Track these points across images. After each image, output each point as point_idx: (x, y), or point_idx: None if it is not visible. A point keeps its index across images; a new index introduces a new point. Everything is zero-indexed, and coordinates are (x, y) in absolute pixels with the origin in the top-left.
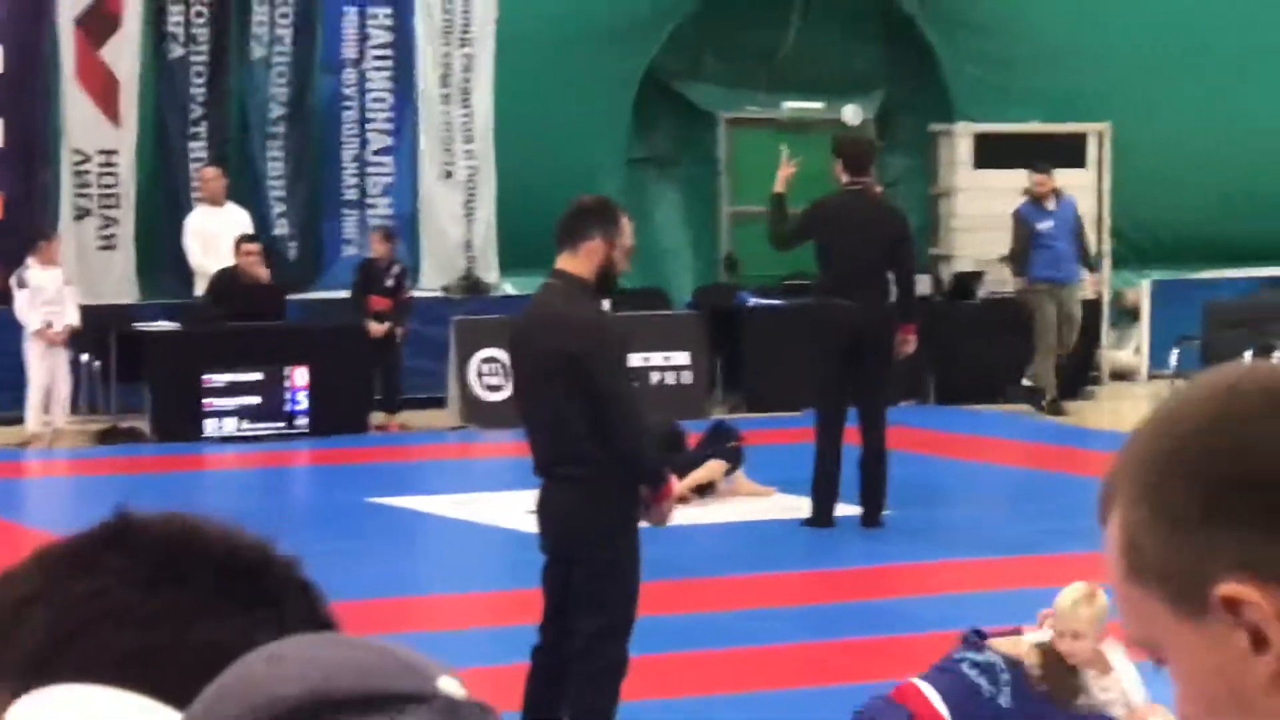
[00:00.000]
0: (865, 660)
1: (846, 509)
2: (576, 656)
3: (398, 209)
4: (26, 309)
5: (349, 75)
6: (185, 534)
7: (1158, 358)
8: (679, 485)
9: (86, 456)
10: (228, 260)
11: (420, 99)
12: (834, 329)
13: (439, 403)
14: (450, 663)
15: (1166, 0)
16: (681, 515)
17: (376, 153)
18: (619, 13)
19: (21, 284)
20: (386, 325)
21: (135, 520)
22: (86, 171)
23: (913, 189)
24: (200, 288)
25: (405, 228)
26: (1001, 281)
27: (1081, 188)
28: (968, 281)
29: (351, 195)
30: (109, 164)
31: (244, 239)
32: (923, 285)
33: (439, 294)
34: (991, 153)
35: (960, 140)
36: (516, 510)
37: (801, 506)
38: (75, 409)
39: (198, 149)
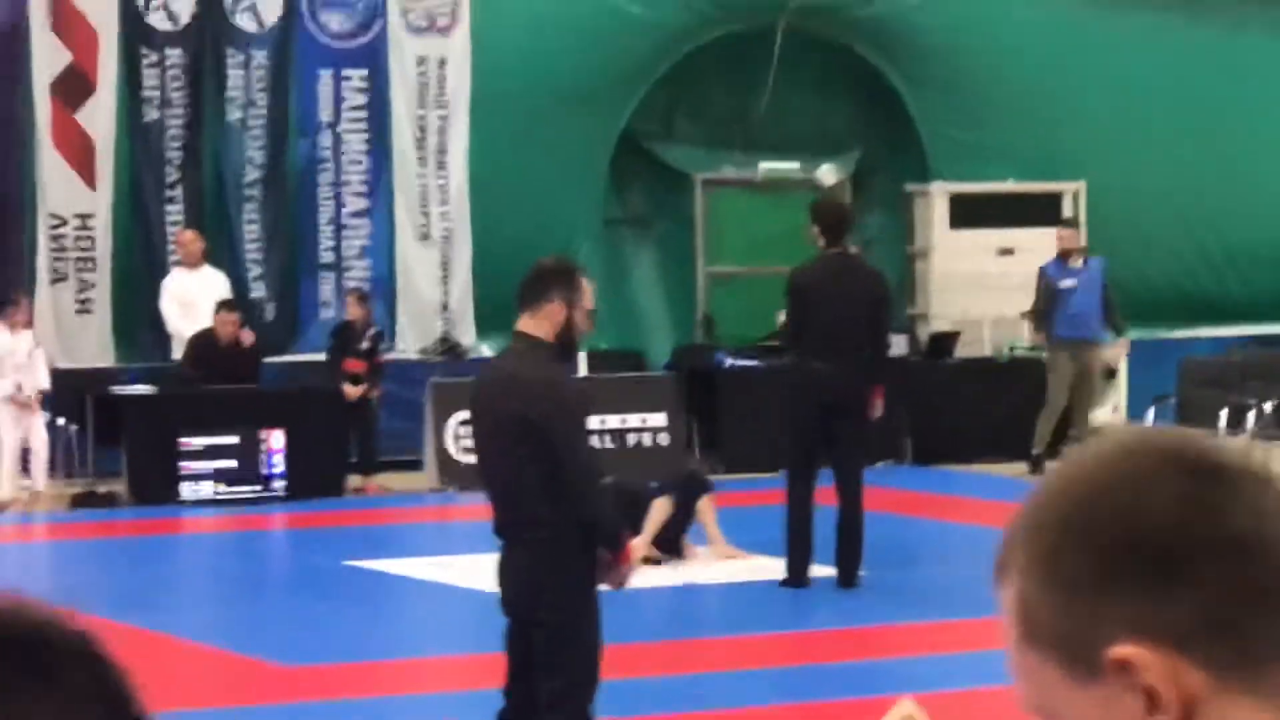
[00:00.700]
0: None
1: (824, 570)
2: (545, 714)
3: (374, 271)
4: None
5: (324, 137)
6: None
7: (1135, 416)
8: (639, 545)
9: (62, 521)
10: (205, 323)
11: (395, 161)
12: (810, 392)
13: (416, 465)
14: None
15: (1139, 59)
16: (655, 576)
17: (353, 215)
18: (593, 75)
19: None
20: (362, 387)
21: None
22: (63, 235)
23: (889, 248)
24: (178, 351)
25: (382, 290)
26: (978, 341)
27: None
28: (945, 341)
29: (328, 258)
30: (85, 227)
31: (223, 305)
32: (899, 345)
33: (416, 356)
34: (967, 212)
35: (936, 200)
36: (493, 572)
37: (779, 568)
38: (52, 473)
39: (174, 212)
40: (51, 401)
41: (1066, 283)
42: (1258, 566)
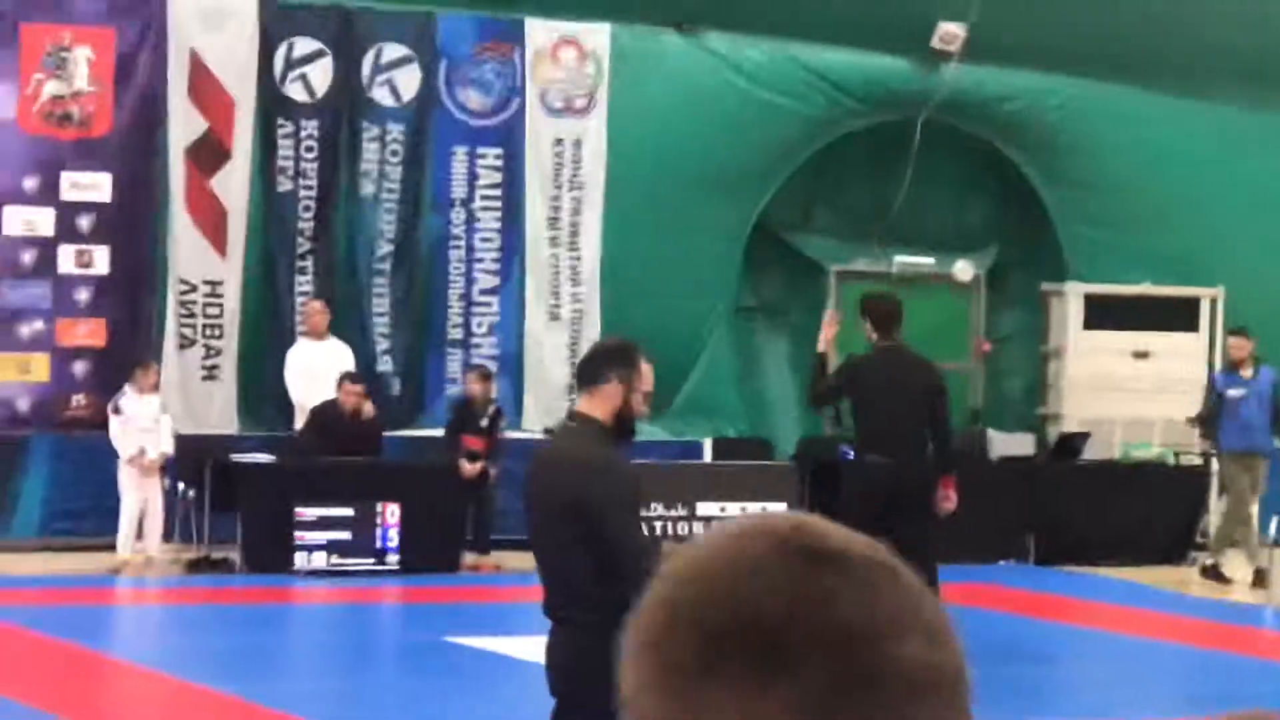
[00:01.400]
0: None
1: None
2: None
3: (502, 348)
4: (120, 435)
5: (457, 214)
6: None
7: (1266, 526)
8: None
9: (175, 586)
10: (328, 394)
11: (528, 240)
12: (871, 486)
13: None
14: None
15: None
16: None
17: (483, 292)
18: (730, 162)
19: (116, 410)
20: (480, 465)
21: None
22: (192, 301)
23: (1023, 347)
24: (300, 421)
25: (509, 367)
26: (1106, 444)
27: (1192, 352)
28: (1072, 442)
29: (456, 334)
30: (215, 294)
31: (347, 377)
32: (1026, 445)
33: (540, 435)
34: (1102, 313)
35: (1071, 299)
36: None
37: None
38: (169, 538)
39: (303, 283)
40: (173, 466)
41: (1235, 391)
42: (864, 657)
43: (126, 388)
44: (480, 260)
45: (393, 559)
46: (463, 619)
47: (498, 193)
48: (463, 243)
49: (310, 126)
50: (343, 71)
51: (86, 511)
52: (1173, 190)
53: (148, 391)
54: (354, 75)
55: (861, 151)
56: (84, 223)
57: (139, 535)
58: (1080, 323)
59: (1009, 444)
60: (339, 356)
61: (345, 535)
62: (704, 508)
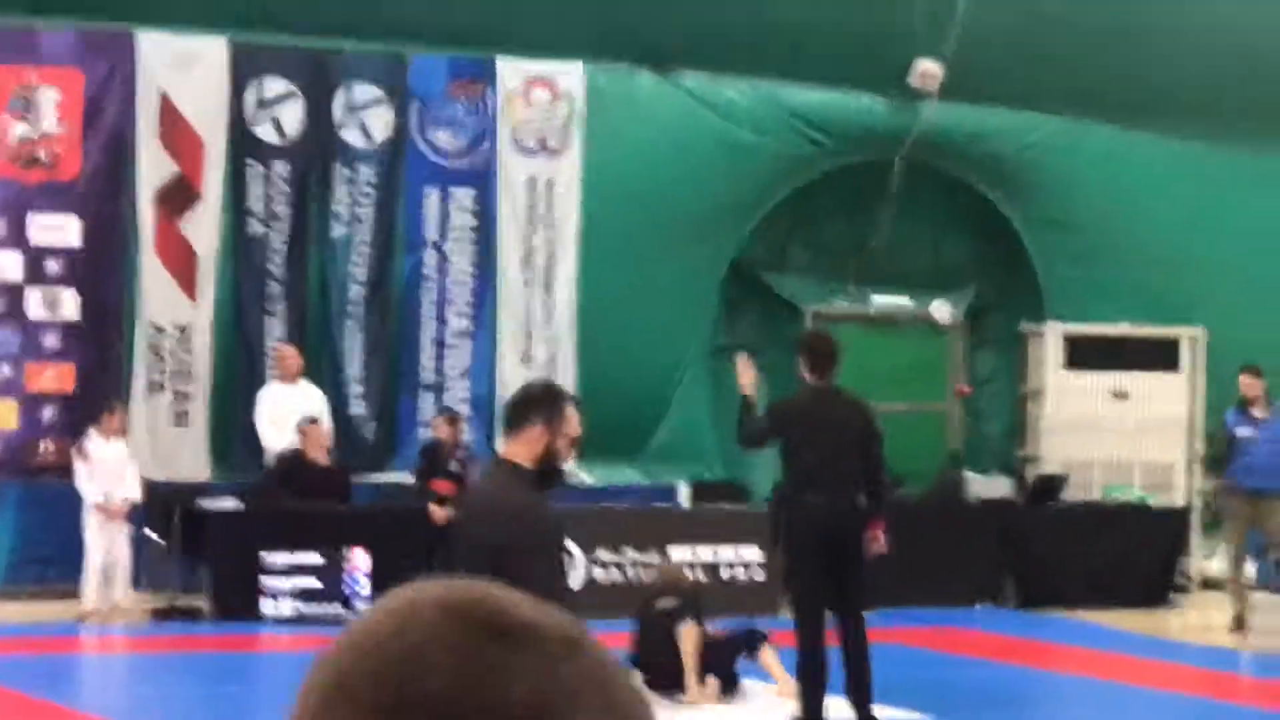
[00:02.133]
0: None
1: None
2: None
3: (475, 391)
4: (86, 481)
5: (430, 255)
6: None
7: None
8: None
9: (142, 634)
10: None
11: (501, 282)
12: (805, 526)
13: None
14: None
15: (1261, 203)
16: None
17: (456, 334)
18: (705, 202)
19: (83, 456)
20: (449, 509)
21: None
22: (161, 345)
23: (1002, 388)
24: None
25: (482, 410)
26: (1085, 486)
27: (1173, 392)
28: (1051, 484)
29: (429, 377)
30: (184, 338)
31: (306, 421)
32: (1003, 487)
33: None
34: (1082, 353)
35: (1050, 340)
36: None
37: (840, 705)
38: (137, 585)
39: (275, 326)
40: (141, 513)
41: (1245, 431)
42: None
43: (92, 432)
44: (453, 302)
45: (361, 605)
46: None
47: (470, 234)
48: (435, 284)
49: (281, 168)
50: (313, 112)
51: (54, 558)
52: (1153, 229)
53: (114, 436)
54: (325, 116)
55: (838, 191)
56: (52, 266)
57: (106, 583)
58: (1060, 363)
59: (987, 486)
60: (311, 400)
61: (313, 582)
62: (677, 552)
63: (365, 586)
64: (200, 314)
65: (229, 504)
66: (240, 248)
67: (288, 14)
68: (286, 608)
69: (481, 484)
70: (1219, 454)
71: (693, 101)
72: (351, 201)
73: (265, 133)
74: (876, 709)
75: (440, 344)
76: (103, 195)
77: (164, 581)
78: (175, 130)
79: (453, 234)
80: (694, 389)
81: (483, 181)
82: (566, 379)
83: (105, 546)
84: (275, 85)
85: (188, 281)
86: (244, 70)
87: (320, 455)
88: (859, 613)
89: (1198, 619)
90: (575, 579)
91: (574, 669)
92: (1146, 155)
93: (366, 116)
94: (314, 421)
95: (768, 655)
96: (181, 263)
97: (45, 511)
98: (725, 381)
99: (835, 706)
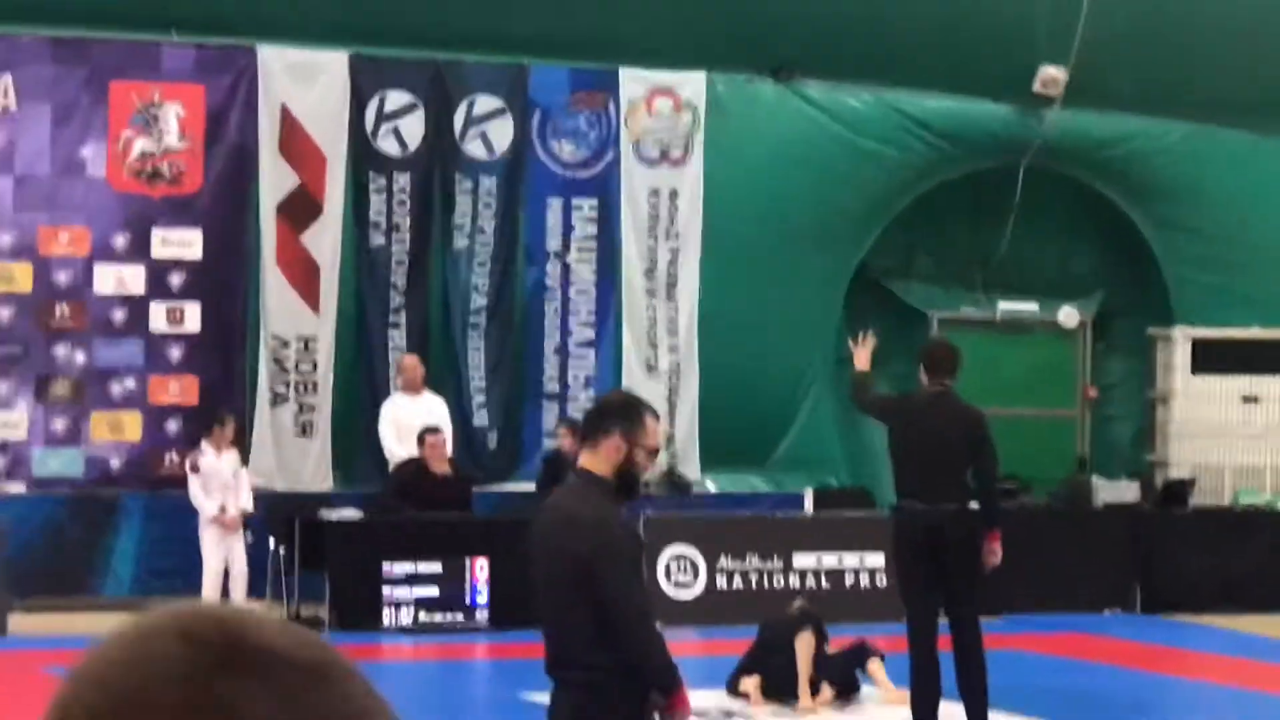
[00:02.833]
0: None
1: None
2: None
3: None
4: (200, 493)
5: (552, 266)
6: None
7: None
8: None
9: None
10: None
11: (624, 292)
12: (908, 531)
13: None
14: None
15: None
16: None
17: (579, 344)
18: (829, 210)
19: (195, 469)
20: None
21: None
22: (284, 357)
23: (1129, 393)
24: None
25: None
26: (1215, 490)
27: None
28: (1179, 489)
29: (552, 387)
30: (307, 349)
31: (428, 430)
32: (1132, 492)
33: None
34: (1210, 358)
35: (1178, 344)
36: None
37: (956, 713)
38: (259, 595)
39: (397, 337)
40: (259, 524)
41: None
42: None
43: (204, 444)
44: (576, 312)
45: (482, 615)
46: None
47: (593, 244)
48: (558, 295)
49: (402, 180)
50: (434, 124)
51: (177, 569)
52: (1278, 233)
53: (225, 448)
54: (446, 128)
55: (962, 197)
56: (175, 280)
57: (225, 593)
58: (1188, 367)
59: (1115, 491)
60: (434, 411)
61: (434, 591)
62: (800, 559)
63: (485, 595)
64: (323, 326)
65: (350, 514)
66: (362, 260)
67: (408, 26)
68: (407, 617)
69: (560, 495)
70: None
71: (814, 110)
72: (473, 213)
73: (387, 145)
74: (999, 715)
75: (564, 354)
76: (225, 209)
77: (286, 593)
78: (296, 143)
79: (575, 244)
80: (819, 397)
81: (605, 192)
82: (689, 388)
83: (222, 557)
84: (396, 97)
85: (310, 293)
86: (365, 83)
87: (442, 465)
88: (971, 619)
89: None
90: (698, 586)
91: (317, 701)
92: (1273, 158)
93: (488, 128)
94: (436, 431)
95: (875, 666)
96: (304, 275)
97: (169, 523)
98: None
99: (951, 713)
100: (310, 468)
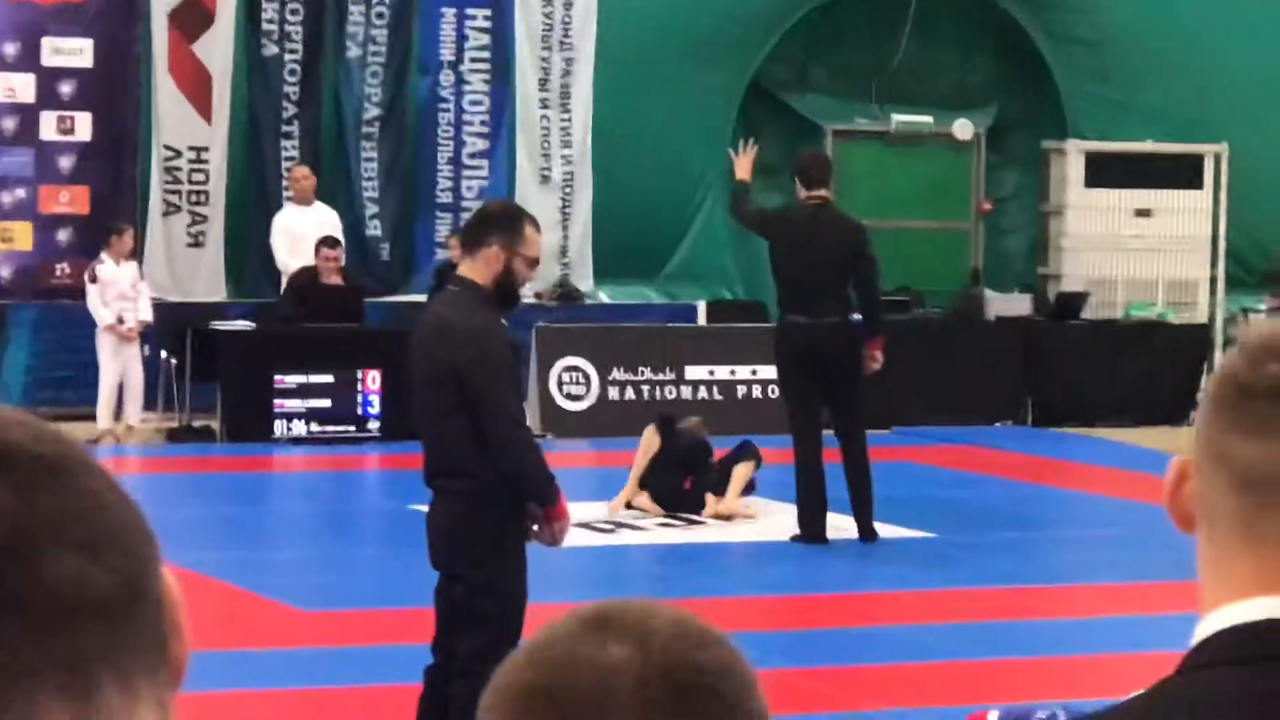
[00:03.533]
0: (846, 689)
1: (885, 529)
2: (456, 677)
3: None
4: (98, 304)
5: (446, 77)
6: None
7: None
8: (726, 503)
9: (155, 455)
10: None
11: (518, 103)
12: (790, 345)
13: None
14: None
15: None
16: (666, 535)
17: (472, 155)
18: (724, 21)
19: (94, 279)
20: None
21: None
22: (177, 168)
23: (1023, 206)
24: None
25: None
26: (1108, 304)
27: (1197, 209)
28: (1072, 302)
29: (446, 198)
30: (199, 160)
31: (324, 242)
32: (1024, 305)
33: (531, 300)
34: (1104, 172)
35: (1072, 158)
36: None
37: (844, 527)
38: (152, 406)
39: (289, 148)
40: (154, 335)
41: None
42: (6, 574)
43: (104, 255)
44: (469, 123)
45: (374, 426)
46: None
47: (486, 54)
48: (451, 105)
49: None
50: None
51: (69, 381)
52: (1176, 46)
53: (124, 259)
54: None
55: (858, 9)
56: (65, 89)
57: (119, 404)
58: (1082, 181)
59: (1008, 304)
60: (325, 222)
61: (325, 403)
62: (692, 371)
63: (377, 407)
64: (215, 136)
65: (242, 325)
66: (255, 69)
67: None
68: (299, 428)
69: (438, 303)
70: (1271, 272)
71: None
72: (366, 22)
73: None
74: (885, 527)
75: (457, 165)
76: (115, 17)
77: (178, 403)
78: None
79: (469, 55)
80: (713, 209)
81: (499, 2)
82: (582, 200)
83: (118, 368)
84: None
85: (202, 103)
86: None
87: (334, 276)
88: (857, 431)
89: None
90: (590, 398)
91: (54, 498)
92: None
93: None
94: (335, 245)
95: (740, 469)
96: (195, 85)
97: (61, 334)
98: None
99: (838, 524)
100: (203, 279)
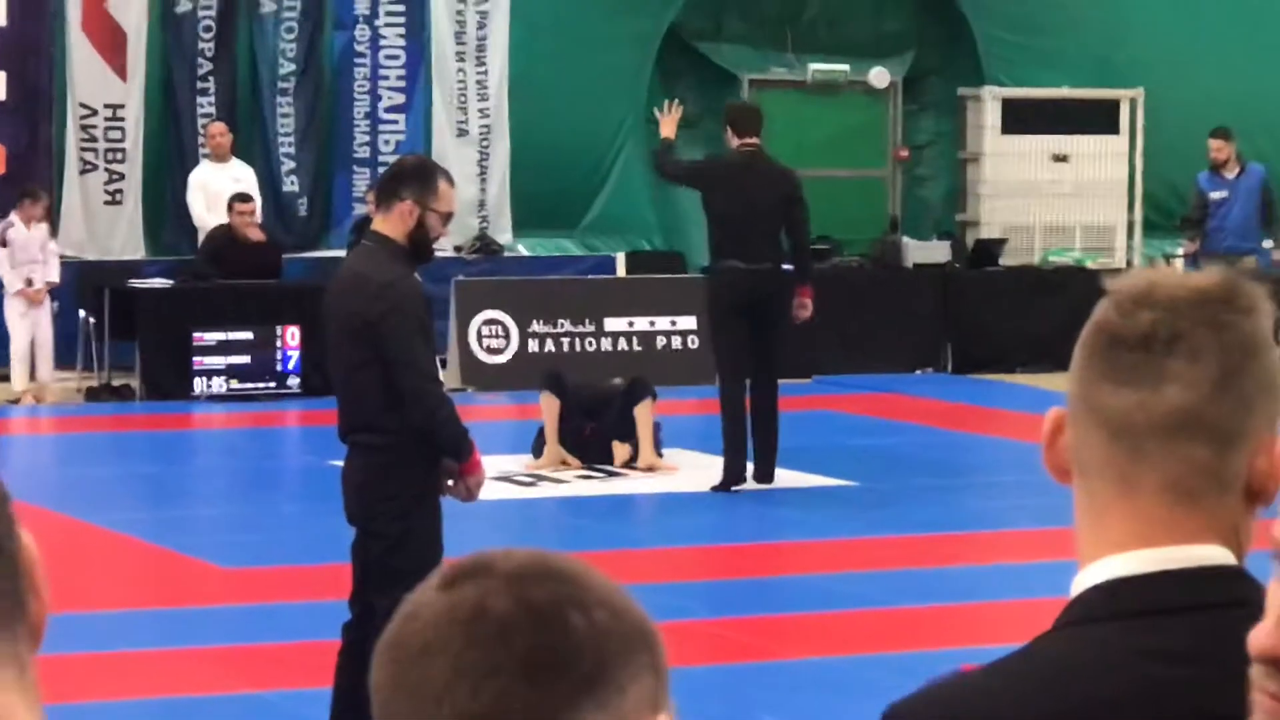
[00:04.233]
0: (761, 636)
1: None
2: (372, 634)
3: None
4: (5, 267)
5: (361, 31)
6: None
7: None
8: (645, 457)
9: (74, 414)
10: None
11: (434, 56)
12: (727, 292)
13: (439, 364)
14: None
15: None
16: (585, 487)
17: (388, 110)
18: None
19: (3, 242)
20: None
21: None
22: (93, 126)
23: (941, 153)
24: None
25: None
26: (1026, 250)
27: (1113, 154)
28: (990, 248)
29: (363, 153)
30: (115, 118)
31: (237, 198)
32: (943, 252)
33: (450, 254)
34: (1020, 118)
35: (988, 105)
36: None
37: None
38: (70, 365)
39: (205, 104)
40: (70, 294)
41: (1218, 194)
42: None
43: (14, 217)
44: (385, 78)
45: (294, 382)
46: None
47: (401, 8)
48: (367, 60)
49: None
50: None
51: None
52: None
53: (35, 222)
54: None
55: None
56: None
57: (32, 366)
58: (998, 127)
59: (926, 251)
60: (242, 179)
61: (245, 359)
62: (612, 323)
63: (296, 363)
64: (131, 93)
65: (160, 283)
66: (169, 25)
67: None
68: (219, 385)
69: (352, 258)
70: (1192, 217)
71: None
72: None
73: None
74: (805, 476)
75: (373, 119)
76: None
77: (97, 362)
78: None
79: (383, 8)
80: (631, 160)
81: None
82: (500, 152)
83: (28, 330)
84: None
85: (117, 61)
86: None
87: (252, 232)
88: (772, 377)
89: None
90: (509, 351)
91: None
92: None
93: None
94: (247, 199)
95: (641, 411)
96: (110, 42)
97: None
98: None
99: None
100: (120, 236)
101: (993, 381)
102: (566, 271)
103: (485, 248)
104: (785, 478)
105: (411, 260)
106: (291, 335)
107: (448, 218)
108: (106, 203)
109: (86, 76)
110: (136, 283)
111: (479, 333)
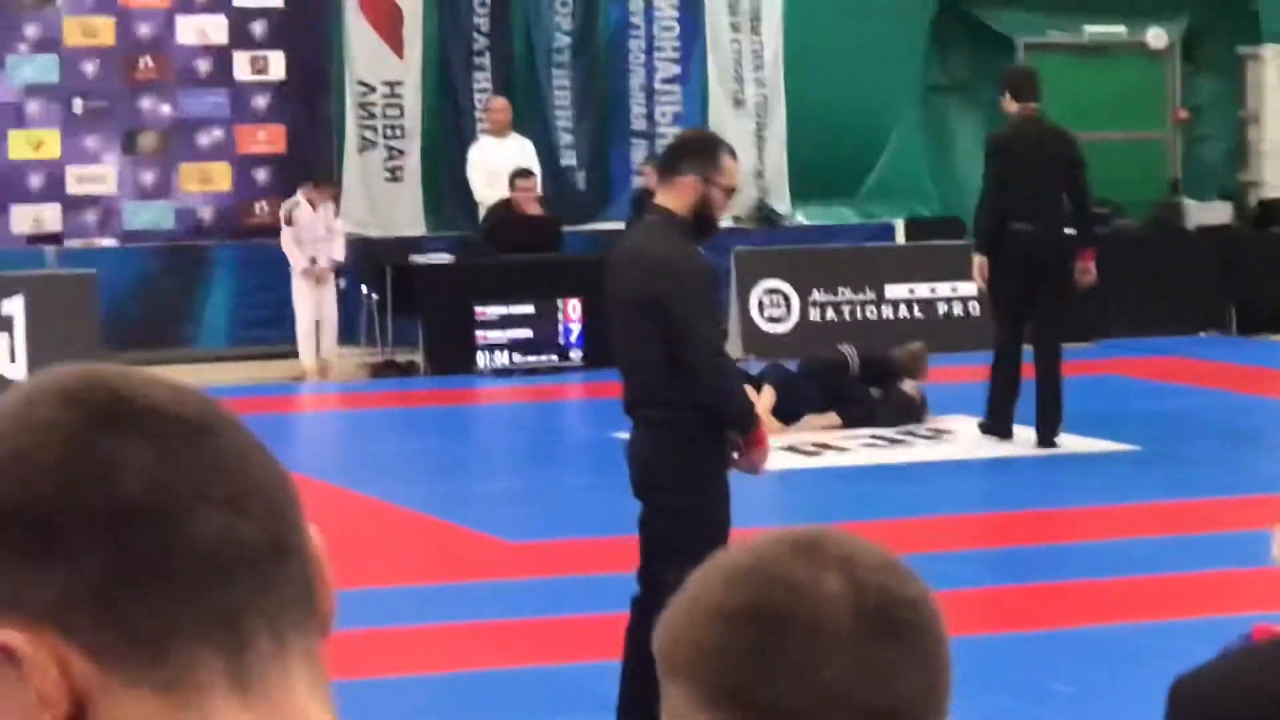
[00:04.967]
0: (1047, 604)
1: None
2: (659, 608)
3: None
4: (292, 246)
5: (635, 3)
6: None
7: None
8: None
9: (359, 390)
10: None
11: (709, 27)
12: (1012, 255)
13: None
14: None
15: None
16: (869, 455)
17: (665, 81)
18: None
19: (289, 221)
20: None
21: None
22: (371, 104)
23: (1220, 113)
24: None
25: None
26: None
27: None
28: (1273, 208)
29: (640, 125)
30: (393, 95)
31: (518, 174)
32: (1224, 213)
33: (729, 224)
34: None
35: (1269, 63)
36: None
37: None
38: (354, 342)
39: (482, 80)
40: (353, 271)
41: None
42: (150, 538)
43: (300, 197)
44: (661, 49)
45: (575, 355)
46: None
47: None
48: (642, 32)
49: None
50: None
51: (270, 320)
52: None
53: (319, 205)
54: None
55: None
56: (257, 28)
57: (318, 342)
58: (1279, 86)
59: (1207, 213)
60: (521, 153)
61: (527, 333)
62: (892, 290)
63: (578, 336)
64: (408, 70)
65: (441, 258)
66: (445, 3)
67: None
68: (501, 359)
69: (635, 232)
70: None
71: None
72: None
73: None
74: (1089, 441)
75: (649, 91)
76: None
77: (380, 338)
78: None
79: None
80: (908, 128)
81: None
82: (776, 122)
83: (313, 307)
84: None
85: (393, 38)
86: None
87: (532, 207)
88: (1055, 340)
89: None
90: (790, 320)
91: (198, 457)
92: None
93: None
94: (528, 175)
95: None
96: (386, 20)
97: (260, 274)
98: (940, 120)
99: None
100: (401, 213)
101: (1276, 343)
102: (845, 240)
103: (764, 217)
104: (1068, 442)
105: (695, 235)
106: (573, 308)
107: (731, 192)
108: (387, 180)
109: (364, 54)
110: (418, 259)
111: (760, 302)
